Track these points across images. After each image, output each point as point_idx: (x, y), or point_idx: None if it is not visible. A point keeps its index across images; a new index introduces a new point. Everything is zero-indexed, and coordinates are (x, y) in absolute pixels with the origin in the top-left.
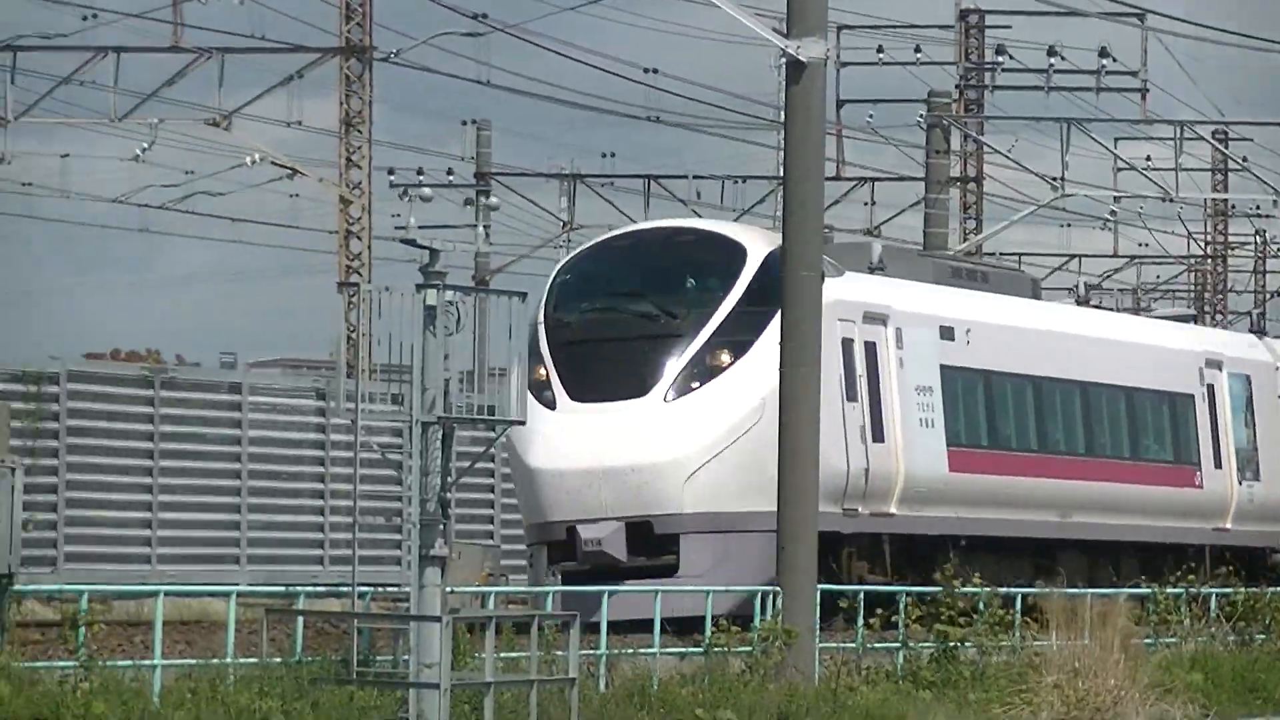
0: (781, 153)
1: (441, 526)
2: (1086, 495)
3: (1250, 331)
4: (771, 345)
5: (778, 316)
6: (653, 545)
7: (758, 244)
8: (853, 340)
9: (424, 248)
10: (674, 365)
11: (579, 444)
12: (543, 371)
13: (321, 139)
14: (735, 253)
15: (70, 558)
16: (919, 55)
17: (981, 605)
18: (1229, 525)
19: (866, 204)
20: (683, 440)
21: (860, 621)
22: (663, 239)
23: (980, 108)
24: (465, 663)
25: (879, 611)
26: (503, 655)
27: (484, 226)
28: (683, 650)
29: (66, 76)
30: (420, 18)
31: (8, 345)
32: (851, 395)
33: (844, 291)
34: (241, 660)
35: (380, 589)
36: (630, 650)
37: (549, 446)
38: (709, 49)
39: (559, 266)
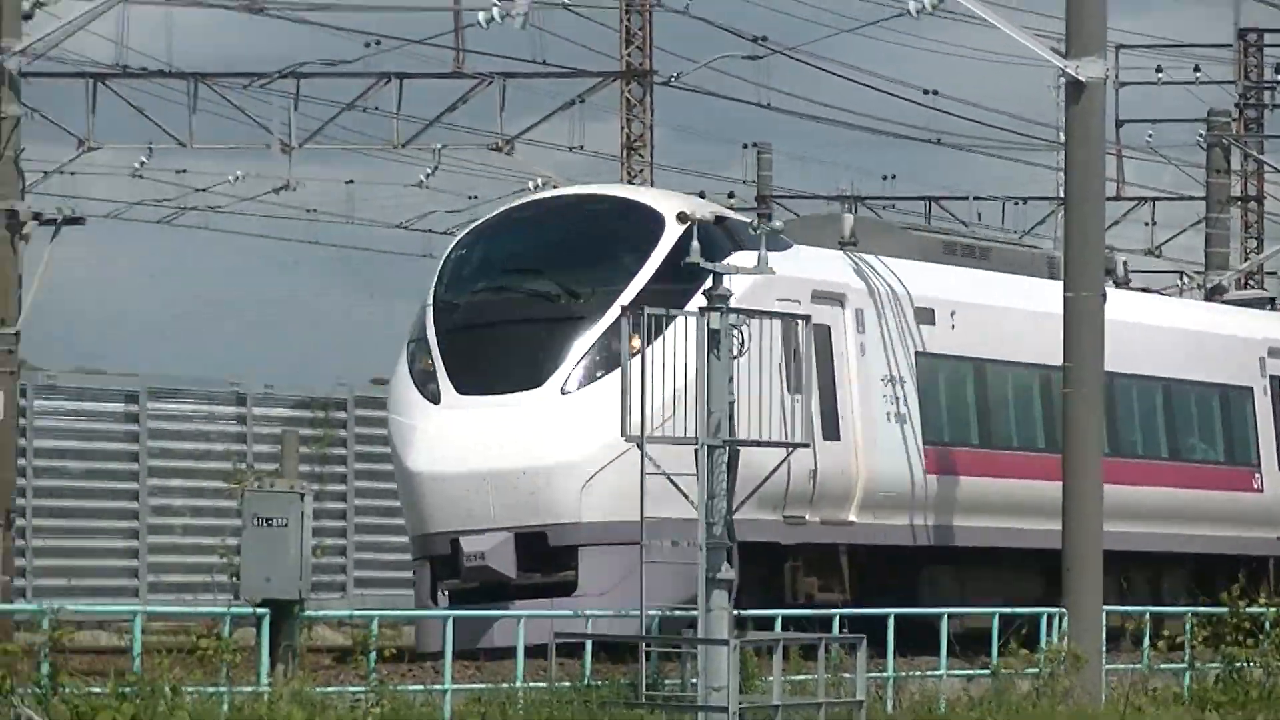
0: (1061, 173)
1: (727, 550)
2: (1113, 501)
3: None
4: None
5: (701, 295)
6: (548, 559)
7: (679, 211)
8: (795, 324)
9: (708, 271)
10: (574, 351)
11: (464, 444)
12: (429, 361)
13: (603, 163)
14: (652, 222)
15: (359, 583)
16: (1198, 74)
17: (1267, 625)
18: None
19: (1146, 224)
20: (581, 438)
21: (1146, 644)
22: (569, 207)
23: (1260, 126)
24: (753, 686)
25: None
26: (789, 678)
27: (765, 250)
28: (970, 672)
29: (349, 102)
30: (700, 41)
31: (295, 372)
32: (795, 386)
33: (785, 268)
34: (531, 684)
35: None
36: (918, 673)
37: (431, 447)
38: (988, 70)
39: (455, 241)
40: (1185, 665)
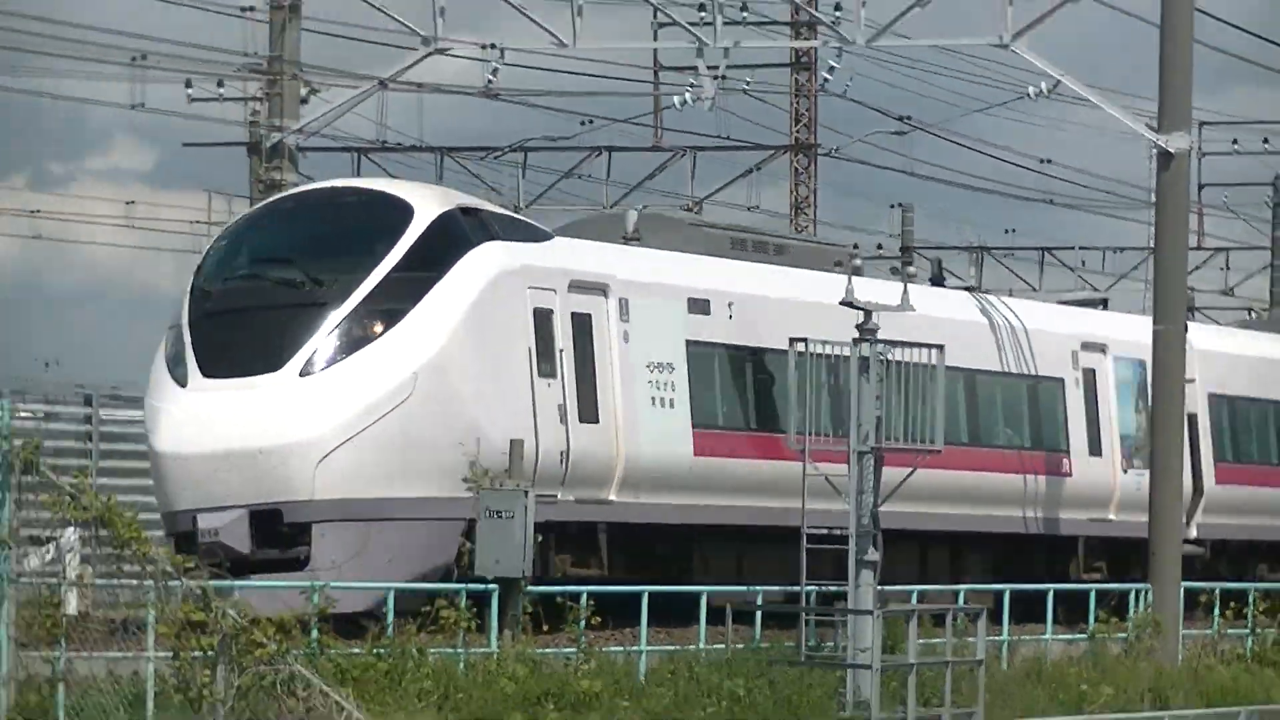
0: (1152, 228)
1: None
2: (926, 484)
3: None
4: (432, 313)
5: (444, 282)
6: (282, 536)
7: (429, 204)
8: (551, 311)
9: (860, 309)
10: (314, 336)
11: (206, 425)
12: (180, 346)
13: (775, 220)
14: (400, 213)
15: None
16: (1266, 145)
17: None
18: (1111, 515)
19: (1222, 269)
20: (316, 419)
21: (1216, 612)
22: (323, 200)
23: None
24: (894, 647)
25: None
26: (923, 641)
27: (905, 290)
28: (1070, 636)
29: (567, 171)
30: (856, 119)
31: None
32: (547, 371)
33: (543, 258)
34: (711, 646)
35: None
36: (1029, 637)
37: (175, 428)
38: (1093, 142)
39: (219, 233)
40: (1248, 631)
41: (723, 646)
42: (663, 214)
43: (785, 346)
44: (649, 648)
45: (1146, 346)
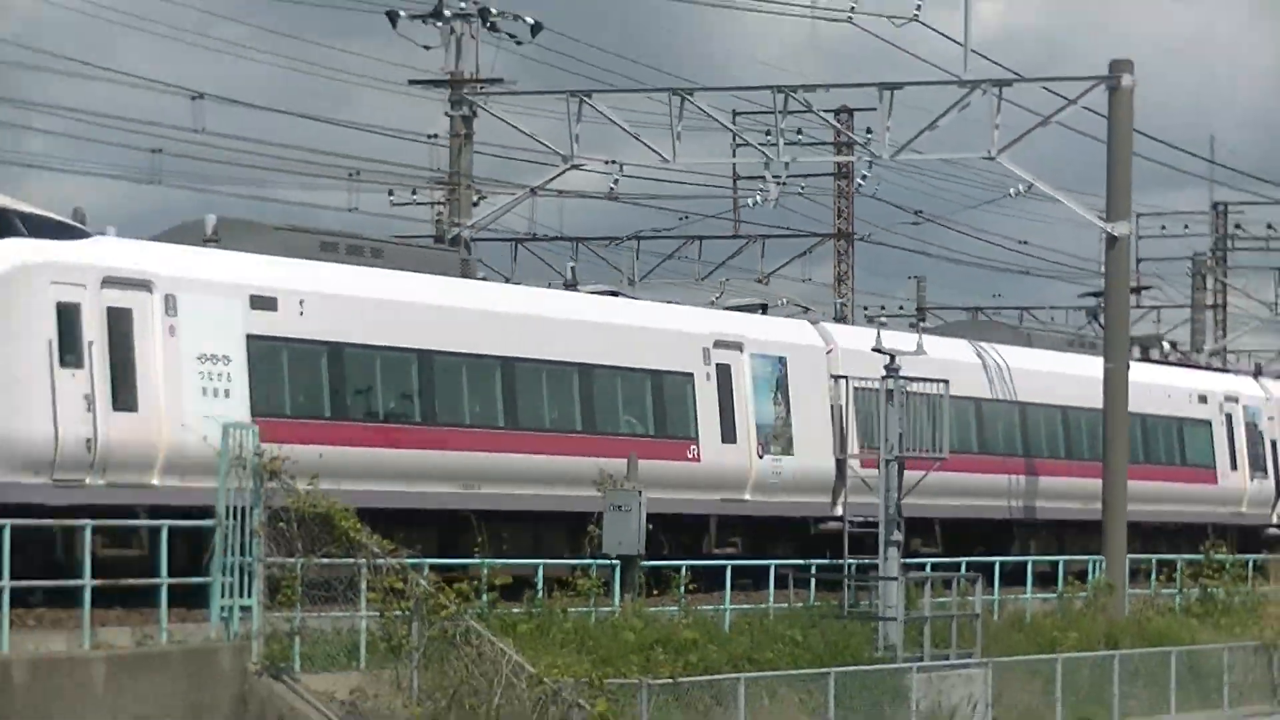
0: (1103, 289)
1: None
2: (492, 466)
3: (827, 320)
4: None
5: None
6: None
7: None
8: (78, 305)
9: (886, 353)
10: None
11: None
12: None
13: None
14: None
15: None
16: (1186, 229)
17: (1227, 565)
18: (747, 496)
19: (1155, 321)
20: None
21: (1153, 577)
22: None
23: (1224, 260)
24: (913, 605)
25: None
26: (934, 600)
27: (919, 344)
28: (1045, 595)
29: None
30: (883, 214)
31: None
32: (71, 362)
33: (73, 255)
34: (777, 605)
35: None
36: (1013, 596)
37: None
38: (1058, 227)
39: None
40: (1177, 590)
41: (785, 605)
42: (246, 220)
43: (370, 342)
44: (731, 606)
45: (787, 345)
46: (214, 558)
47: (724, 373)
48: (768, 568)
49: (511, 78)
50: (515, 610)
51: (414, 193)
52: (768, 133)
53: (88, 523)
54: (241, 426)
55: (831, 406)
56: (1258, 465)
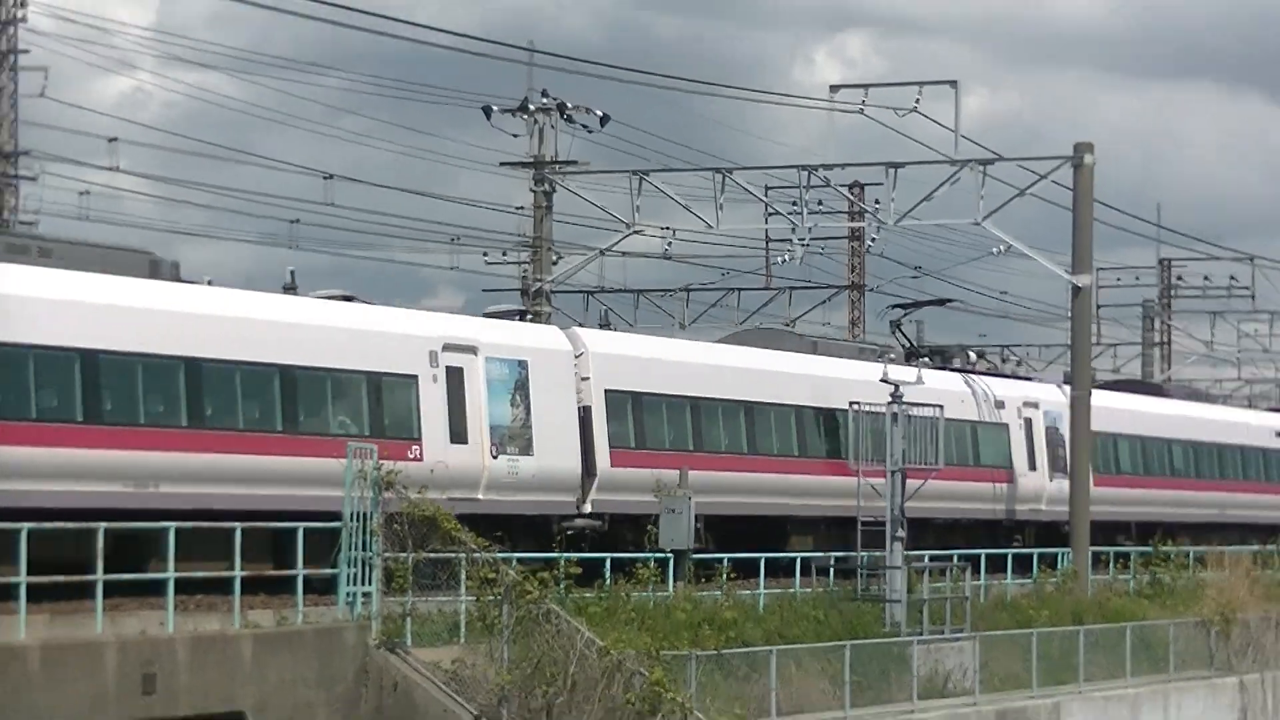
0: (1069, 332)
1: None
2: (169, 465)
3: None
4: None
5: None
6: None
7: None
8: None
9: (892, 384)
10: None
11: None
12: None
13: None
14: None
15: None
16: (1138, 280)
17: (1171, 555)
18: (480, 495)
19: (1113, 357)
20: None
21: (1112, 566)
22: None
23: (1170, 306)
24: (914, 588)
25: None
26: (932, 584)
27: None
28: (1023, 580)
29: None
30: (889, 269)
31: None
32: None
33: None
34: (803, 590)
35: None
36: (996, 581)
37: None
38: (1033, 279)
39: None
40: (1131, 577)
41: (809, 590)
42: None
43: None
44: (765, 590)
45: (528, 349)
46: (341, 553)
47: (455, 375)
48: (793, 560)
49: (584, 160)
50: (587, 595)
51: (504, 254)
52: (794, 204)
53: (237, 526)
54: (365, 448)
55: (580, 408)
56: (1057, 466)
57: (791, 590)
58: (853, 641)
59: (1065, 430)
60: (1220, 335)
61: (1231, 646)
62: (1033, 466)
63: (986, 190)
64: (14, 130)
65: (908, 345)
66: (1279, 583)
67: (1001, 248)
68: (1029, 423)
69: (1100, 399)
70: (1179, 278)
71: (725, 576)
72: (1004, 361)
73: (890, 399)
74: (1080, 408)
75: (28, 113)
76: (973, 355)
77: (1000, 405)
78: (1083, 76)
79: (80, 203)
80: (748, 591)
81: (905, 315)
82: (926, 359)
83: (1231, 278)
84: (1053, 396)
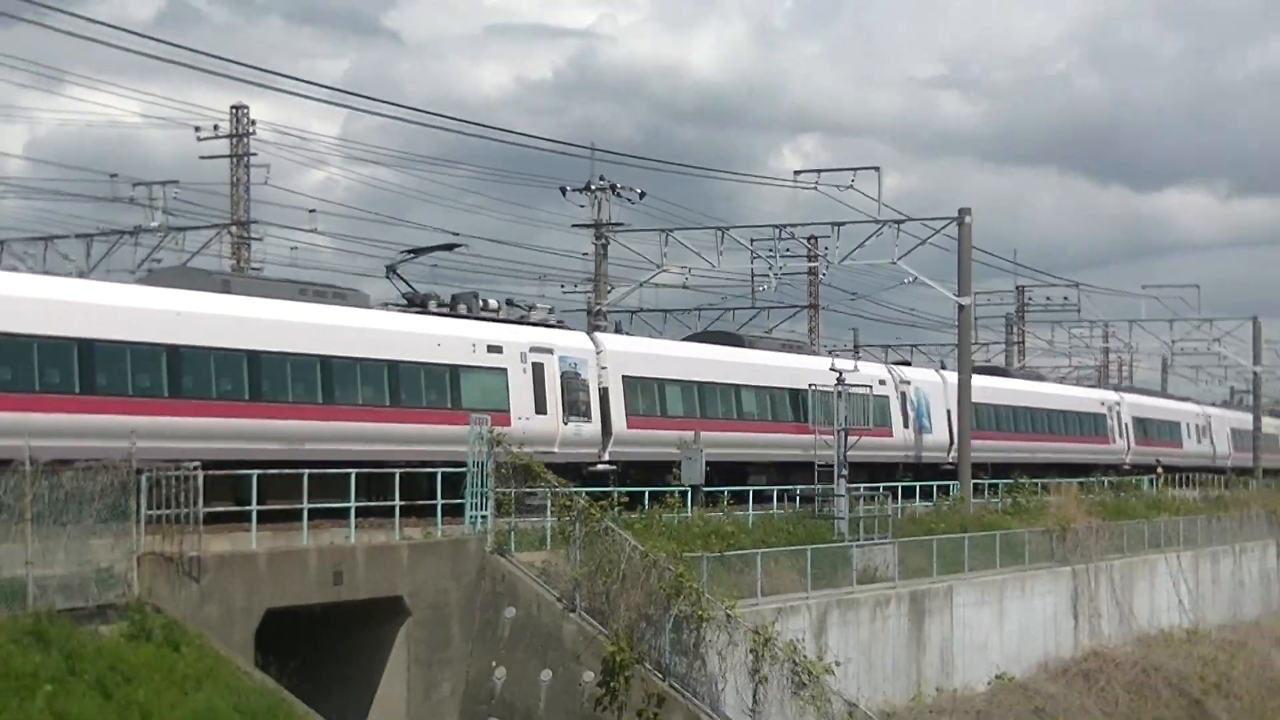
0: (957, 335)
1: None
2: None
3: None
4: None
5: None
6: None
7: None
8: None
9: (838, 371)
10: None
11: None
12: None
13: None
14: None
15: None
16: (1003, 301)
17: (1025, 485)
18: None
19: (986, 355)
20: None
21: (987, 493)
22: None
23: (1024, 317)
24: (853, 510)
25: None
26: (864, 506)
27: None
28: (927, 503)
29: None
30: (835, 294)
31: None
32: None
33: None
34: (778, 511)
35: None
36: (908, 505)
37: None
38: (934, 300)
39: None
40: (999, 500)
41: (783, 511)
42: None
43: None
44: (752, 512)
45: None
46: (468, 489)
47: (538, 367)
48: (770, 491)
49: (628, 222)
50: (632, 515)
51: (575, 286)
52: (770, 251)
53: (396, 470)
54: (481, 418)
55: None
56: (576, 410)
57: (770, 511)
58: (812, 546)
59: (587, 375)
60: (1057, 337)
61: (1066, 547)
62: (541, 410)
63: (899, 240)
64: (247, 206)
65: (409, 292)
66: (1098, 503)
67: (910, 279)
68: (538, 368)
69: (952, 378)
70: (1029, 299)
71: (725, 503)
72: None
73: (837, 381)
74: (964, 388)
75: (256, 194)
76: (493, 302)
77: (498, 350)
78: (964, 163)
79: (290, 255)
80: (741, 513)
81: (408, 260)
82: (435, 307)
83: (1065, 298)
84: (573, 343)
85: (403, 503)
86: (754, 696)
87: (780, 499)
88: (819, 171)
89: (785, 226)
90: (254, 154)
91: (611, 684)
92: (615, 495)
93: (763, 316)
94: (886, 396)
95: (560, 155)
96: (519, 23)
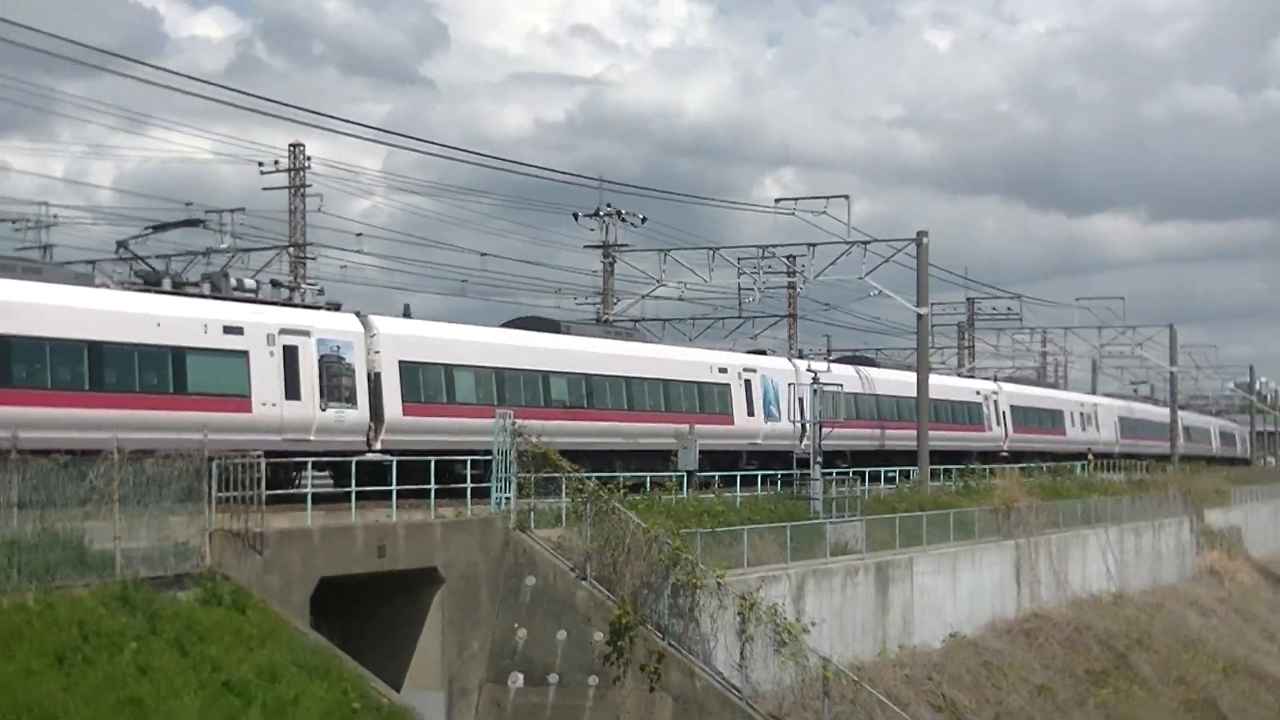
0: (916, 340)
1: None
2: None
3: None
4: None
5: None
6: None
7: None
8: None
9: (814, 371)
10: None
11: None
12: None
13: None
14: None
15: None
16: (956, 312)
17: (979, 469)
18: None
19: (942, 359)
20: None
21: (940, 476)
22: None
23: (974, 326)
24: (827, 491)
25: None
26: (836, 488)
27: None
28: (895, 486)
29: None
30: (811, 305)
31: None
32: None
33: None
34: (761, 492)
35: None
36: (876, 485)
37: None
38: (897, 310)
39: None
40: (952, 483)
41: (768, 493)
42: None
43: None
44: (741, 494)
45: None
46: (494, 473)
47: (289, 352)
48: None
49: (632, 243)
50: (636, 497)
51: (587, 298)
52: (755, 268)
53: (431, 458)
54: (507, 412)
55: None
56: (337, 396)
57: (754, 493)
58: (792, 523)
59: (352, 359)
60: (1002, 342)
61: (1010, 523)
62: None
63: (866, 259)
64: (303, 230)
65: (145, 271)
66: (1038, 486)
67: (875, 292)
68: (290, 351)
69: (804, 365)
70: (978, 309)
71: (716, 485)
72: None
73: (813, 379)
74: (922, 388)
75: (311, 220)
76: (250, 282)
77: (239, 332)
78: (921, 192)
79: (340, 273)
80: (729, 494)
81: (145, 236)
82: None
83: (1008, 308)
84: (331, 324)
85: (439, 486)
86: (741, 653)
87: (763, 483)
88: (796, 199)
89: (767, 247)
90: (309, 185)
91: (618, 643)
92: (621, 479)
93: (749, 324)
94: (727, 384)
95: (573, 186)
96: (537, 71)
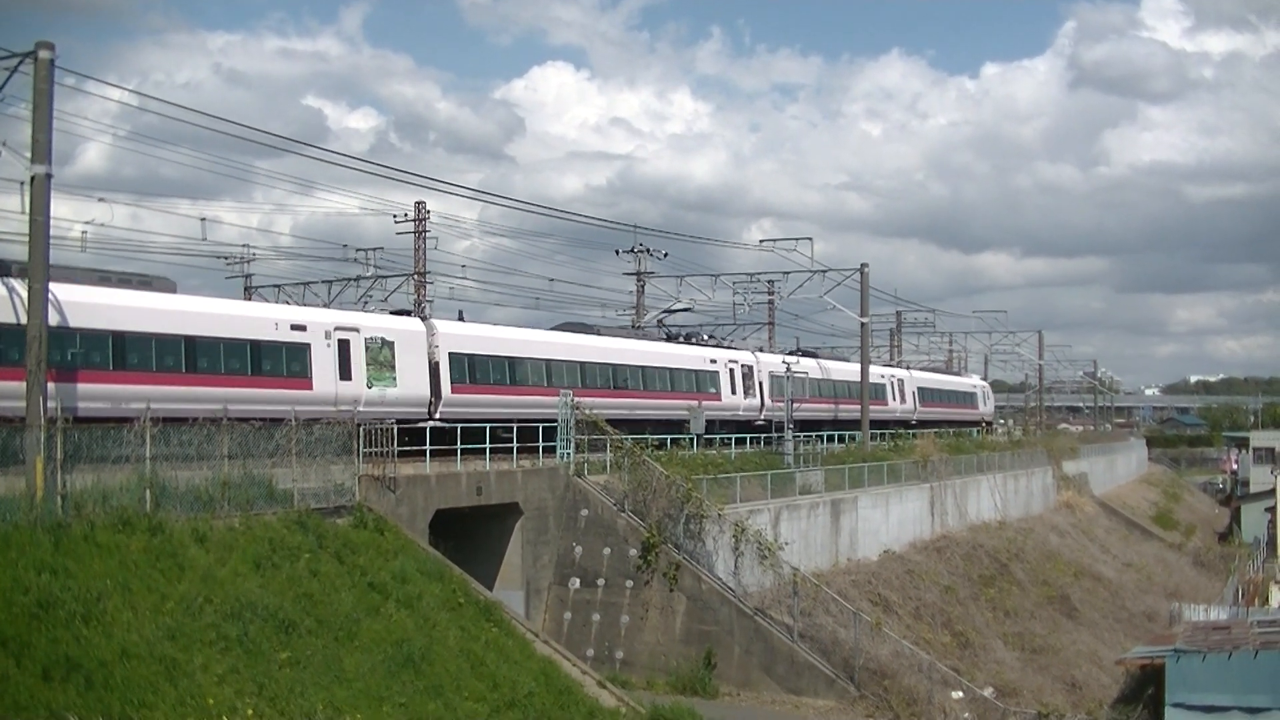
0: (859, 342)
1: (792, 424)
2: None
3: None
4: None
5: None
6: None
7: None
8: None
9: (790, 362)
10: None
11: None
12: None
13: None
14: None
15: None
16: (887, 322)
17: (901, 433)
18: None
19: (889, 357)
20: None
21: (880, 438)
22: None
23: (900, 331)
24: (798, 448)
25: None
26: (804, 446)
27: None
28: (837, 446)
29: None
30: (787, 317)
31: None
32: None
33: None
34: (751, 449)
35: None
36: (827, 446)
37: None
38: (841, 321)
39: None
40: (887, 443)
41: (755, 450)
42: None
43: None
44: (734, 450)
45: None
46: (559, 434)
47: (343, 344)
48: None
49: (656, 271)
50: (660, 452)
51: (623, 312)
52: (745, 288)
53: (514, 423)
54: (569, 391)
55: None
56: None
57: (744, 450)
58: (771, 471)
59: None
60: (921, 344)
61: (926, 471)
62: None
63: (824, 283)
64: (424, 263)
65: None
66: (947, 444)
67: (831, 307)
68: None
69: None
70: (904, 319)
71: (720, 443)
72: None
73: (787, 368)
74: (864, 376)
75: (430, 255)
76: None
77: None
78: (862, 236)
79: (449, 293)
80: (728, 450)
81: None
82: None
83: (925, 319)
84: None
85: (519, 444)
86: (734, 564)
87: (750, 442)
88: (775, 240)
89: (754, 274)
90: (428, 231)
91: (647, 557)
92: (650, 440)
93: (740, 330)
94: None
95: (613, 231)
96: (587, 150)
